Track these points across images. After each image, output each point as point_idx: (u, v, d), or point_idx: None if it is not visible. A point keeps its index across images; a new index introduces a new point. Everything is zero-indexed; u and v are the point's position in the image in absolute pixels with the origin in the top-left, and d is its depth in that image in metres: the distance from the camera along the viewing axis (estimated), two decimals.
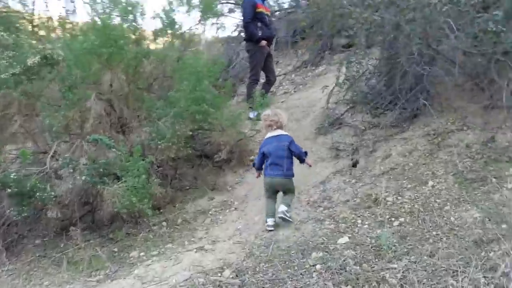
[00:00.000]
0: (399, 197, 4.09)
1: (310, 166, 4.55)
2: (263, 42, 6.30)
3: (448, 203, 3.79)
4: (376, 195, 4.18)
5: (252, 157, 5.56)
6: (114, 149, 4.27)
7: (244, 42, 6.78)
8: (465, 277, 2.82)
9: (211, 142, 5.15)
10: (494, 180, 3.91)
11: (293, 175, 4.23)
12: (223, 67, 6.00)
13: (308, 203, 4.48)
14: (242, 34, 7.94)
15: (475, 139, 4.58)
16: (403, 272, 3.03)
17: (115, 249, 4.25)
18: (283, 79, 8.55)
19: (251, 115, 6.04)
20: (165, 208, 4.80)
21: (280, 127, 4.34)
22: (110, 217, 4.53)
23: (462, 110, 5.17)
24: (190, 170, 5.36)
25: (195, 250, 3.96)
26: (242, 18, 6.88)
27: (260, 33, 6.46)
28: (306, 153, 4.37)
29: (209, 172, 5.29)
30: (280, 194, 4.22)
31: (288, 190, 4.20)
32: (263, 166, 4.33)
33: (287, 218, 4.00)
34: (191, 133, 4.75)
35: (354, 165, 5.08)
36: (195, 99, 4.58)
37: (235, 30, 9.77)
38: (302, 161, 4.33)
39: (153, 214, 4.27)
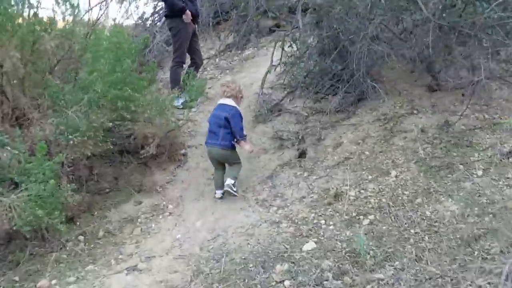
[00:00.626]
0: (362, 191, 3.61)
1: (249, 151, 4.12)
2: (188, 14, 5.40)
3: (419, 195, 3.39)
4: (336, 190, 3.67)
5: (183, 151, 4.79)
6: (8, 148, 3.26)
7: (165, 19, 5.82)
8: (468, 285, 2.37)
9: (135, 135, 4.27)
10: (461, 167, 3.59)
11: (231, 146, 4.02)
12: (145, 44, 5.07)
13: (257, 202, 3.84)
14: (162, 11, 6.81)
15: (428, 123, 4.27)
16: (392, 284, 2.52)
17: (16, 278, 3.24)
18: (207, 63, 7.76)
19: (177, 102, 5.22)
20: (81, 218, 3.84)
21: (232, 96, 4.13)
22: (6, 234, 3.47)
23: (407, 93, 4.89)
24: (110, 169, 4.42)
25: (125, 271, 3.13)
26: None
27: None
28: (245, 136, 4.11)
29: (133, 171, 4.40)
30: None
31: (231, 162, 4.07)
32: None
33: (232, 192, 3.92)
34: (110, 124, 3.84)
35: (301, 155, 4.54)
36: (115, 82, 3.68)
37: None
38: (236, 140, 4.04)
39: (67, 228, 3.33)
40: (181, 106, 4.88)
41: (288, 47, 5.65)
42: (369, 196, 3.52)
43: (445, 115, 4.34)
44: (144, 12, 8.83)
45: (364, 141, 4.27)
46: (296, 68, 5.58)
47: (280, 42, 5.87)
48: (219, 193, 4.02)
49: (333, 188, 3.72)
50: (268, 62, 6.84)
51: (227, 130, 3.95)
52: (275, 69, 6.03)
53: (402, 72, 5.30)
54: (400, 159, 3.87)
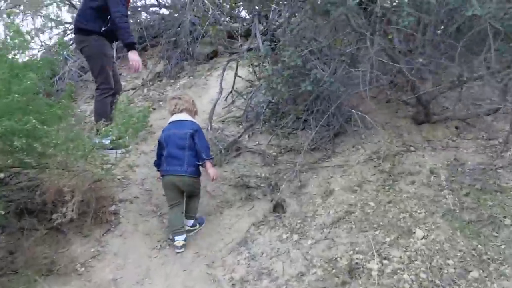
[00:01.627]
0: (385, 261, 2.57)
1: (212, 179, 3.25)
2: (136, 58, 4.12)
3: (469, 266, 2.42)
4: (348, 261, 2.59)
5: (114, 208, 3.43)
6: None
7: (76, 35, 4.34)
8: None
9: (42, 188, 2.86)
10: (508, 221, 2.70)
11: (198, 174, 3.25)
12: (51, 68, 3.72)
13: (234, 285, 2.62)
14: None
15: (434, 163, 3.40)
16: None
17: None
18: (133, 95, 6.44)
19: (106, 141, 3.88)
20: None
21: (186, 110, 3.37)
22: None
23: (391, 125, 4.03)
24: (1, 239, 2.93)
25: None
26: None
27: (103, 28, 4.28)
28: (211, 156, 3.28)
29: (40, 242, 2.95)
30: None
31: (193, 191, 3.29)
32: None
33: (193, 229, 3.27)
34: (1, 174, 2.44)
35: (277, 208, 3.44)
36: (9, 109, 2.32)
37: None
38: (202, 160, 3.19)
39: None
40: (111, 146, 3.54)
41: (253, 67, 4.61)
42: (398, 269, 2.48)
43: (451, 153, 3.52)
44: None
45: (362, 188, 3.28)
46: (253, 97, 4.53)
47: (230, 66, 4.85)
48: (180, 240, 3.06)
49: (341, 258, 2.64)
50: (210, 92, 5.82)
51: (192, 152, 3.18)
52: (226, 99, 4.95)
53: (376, 102, 4.48)
54: (419, 212, 2.91)
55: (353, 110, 3.79)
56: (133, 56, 4.05)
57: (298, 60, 3.47)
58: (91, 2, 4.11)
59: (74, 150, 2.65)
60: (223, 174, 3.82)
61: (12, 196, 3.05)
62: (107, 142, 3.44)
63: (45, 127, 2.51)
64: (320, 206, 3.21)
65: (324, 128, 4.06)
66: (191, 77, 6.61)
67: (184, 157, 3.12)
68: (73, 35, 4.38)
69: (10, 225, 3.01)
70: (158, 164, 3.36)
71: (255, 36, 4.49)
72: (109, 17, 4.10)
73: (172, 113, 3.36)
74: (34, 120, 2.28)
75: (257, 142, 4.22)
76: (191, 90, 6.15)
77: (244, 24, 7.08)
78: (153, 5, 7.69)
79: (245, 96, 4.74)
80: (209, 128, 4.46)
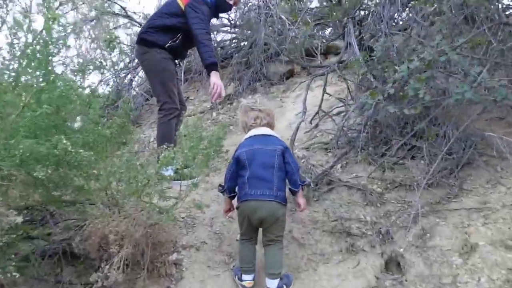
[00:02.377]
0: None
1: (301, 209, 2.59)
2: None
3: None
4: None
5: (175, 256, 2.67)
6: None
7: (140, 46, 3.74)
8: None
9: (83, 234, 2.15)
10: None
11: (286, 202, 2.51)
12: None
13: None
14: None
15: None
16: None
17: None
18: (201, 119, 5.82)
19: (166, 171, 3.19)
20: None
21: (269, 125, 2.71)
22: None
23: None
24: None
25: None
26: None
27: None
28: (305, 181, 2.72)
29: None
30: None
31: (278, 231, 2.47)
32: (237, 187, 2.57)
33: None
34: (18, 218, 1.74)
35: (389, 265, 2.51)
36: (36, 123, 1.64)
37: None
38: (295, 187, 2.53)
39: None
40: (173, 177, 2.80)
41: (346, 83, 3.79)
42: None
43: None
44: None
45: None
46: (346, 119, 3.67)
47: (318, 82, 4.05)
48: (249, 280, 2.46)
49: None
50: (287, 115, 5.05)
51: (282, 173, 2.48)
52: (311, 121, 4.13)
53: (507, 124, 3.44)
54: None
55: (491, 133, 2.81)
56: (215, 79, 3.43)
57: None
58: (167, 19, 3.58)
59: (124, 184, 1.92)
60: (314, 216, 2.96)
61: (49, 239, 2.38)
62: (168, 172, 2.72)
63: (89, 154, 1.81)
64: (461, 269, 2.24)
65: (444, 157, 3.10)
66: (264, 99, 5.89)
67: (273, 179, 2.43)
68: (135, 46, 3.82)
69: (46, 278, 2.33)
70: (230, 188, 2.57)
71: (349, 45, 3.66)
72: (179, 34, 3.57)
73: (250, 128, 2.68)
74: (65, 141, 1.57)
75: (354, 174, 3.33)
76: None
77: (324, 40, 6.31)
78: (224, 25, 7.15)
79: (336, 117, 3.89)
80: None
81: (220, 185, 2.65)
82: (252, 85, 6.17)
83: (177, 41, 3.57)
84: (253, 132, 2.63)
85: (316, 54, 6.05)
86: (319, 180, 3.28)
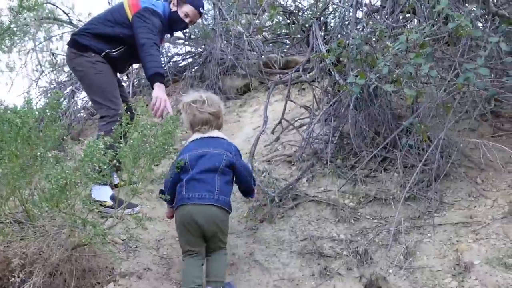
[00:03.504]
0: None
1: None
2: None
3: None
4: None
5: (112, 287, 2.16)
6: None
7: (70, 50, 3.18)
8: None
9: None
10: None
11: (230, 208, 2.25)
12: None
13: None
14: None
15: None
16: None
17: None
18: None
19: (101, 192, 2.73)
20: None
21: (218, 126, 2.41)
22: None
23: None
24: None
25: None
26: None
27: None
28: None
29: None
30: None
31: (221, 239, 2.19)
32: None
33: None
34: None
35: None
36: None
37: None
38: (249, 195, 2.45)
39: None
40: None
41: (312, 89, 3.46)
42: None
43: None
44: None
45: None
46: (311, 128, 3.32)
47: (277, 97, 3.71)
48: None
49: None
50: (244, 129, 4.69)
51: (226, 178, 2.25)
52: (272, 131, 3.77)
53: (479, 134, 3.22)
54: None
55: (476, 139, 2.54)
56: (159, 92, 2.88)
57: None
58: (109, 28, 3.10)
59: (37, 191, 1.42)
60: (279, 235, 2.54)
61: None
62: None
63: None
64: None
65: (414, 169, 2.80)
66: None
67: (215, 181, 2.18)
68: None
69: None
70: (171, 195, 2.27)
71: (314, 47, 3.32)
72: (121, 47, 3.11)
73: (193, 128, 2.39)
74: None
75: (322, 188, 2.97)
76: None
77: (285, 52, 6.05)
78: (178, 38, 6.73)
79: (300, 129, 3.54)
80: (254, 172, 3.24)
81: (161, 191, 2.32)
82: None
83: (115, 52, 3.10)
84: (199, 134, 2.34)
85: (275, 68, 5.75)
86: (283, 195, 2.88)
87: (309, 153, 3.34)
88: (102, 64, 3.09)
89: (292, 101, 3.72)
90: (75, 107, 5.74)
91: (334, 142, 3.23)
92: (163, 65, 3.05)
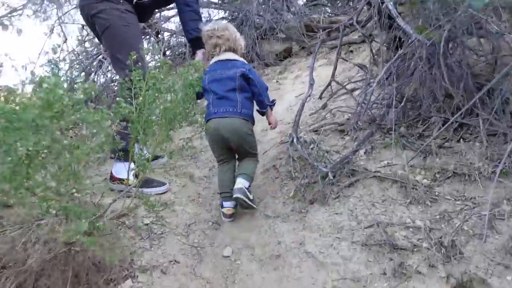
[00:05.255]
0: None
1: (272, 127, 2.64)
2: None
3: None
4: None
5: (131, 285, 1.72)
6: None
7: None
8: None
9: None
10: None
11: (253, 120, 2.52)
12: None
13: None
14: None
15: None
16: None
17: None
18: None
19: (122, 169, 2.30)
20: None
21: (233, 50, 2.61)
22: None
23: None
24: None
25: None
26: None
27: None
28: (273, 101, 2.65)
29: None
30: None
31: (250, 149, 2.50)
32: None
33: (247, 201, 2.29)
34: None
35: None
36: None
37: None
38: (262, 108, 2.58)
39: None
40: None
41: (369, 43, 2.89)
42: None
43: None
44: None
45: None
46: (369, 92, 2.75)
47: (321, 61, 3.14)
48: (229, 206, 2.38)
49: None
50: (286, 98, 4.17)
51: (246, 94, 2.49)
52: (320, 97, 3.23)
53: None
54: None
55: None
56: (200, 54, 2.80)
57: None
58: None
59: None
60: (336, 220, 2.03)
61: None
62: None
63: None
64: None
65: (500, 138, 2.23)
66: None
67: (237, 98, 2.45)
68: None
69: None
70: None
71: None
72: None
73: (212, 56, 2.65)
74: None
75: (384, 162, 2.41)
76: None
77: (326, 15, 5.43)
78: (212, 2, 6.20)
79: (354, 92, 2.98)
80: (295, 140, 2.73)
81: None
82: None
83: None
84: (216, 58, 2.59)
85: (318, 30, 5.14)
86: (337, 170, 2.36)
87: (366, 120, 2.78)
88: (132, 16, 2.66)
89: (344, 59, 3.14)
90: (105, 79, 5.37)
91: (397, 106, 2.65)
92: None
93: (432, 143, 2.41)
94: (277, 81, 4.74)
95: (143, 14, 2.83)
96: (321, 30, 4.68)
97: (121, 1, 2.64)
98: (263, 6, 5.44)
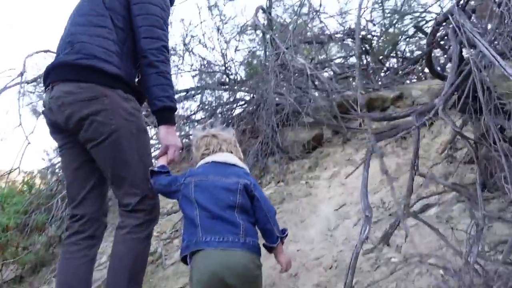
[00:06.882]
0: None
1: (283, 269, 1.81)
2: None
3: None
4: None
5: None
6: None
7: (90, 87, 1.74)
8: None
9: None
10: None
11: (260, 252, 1.72)
12: None
13: None
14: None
15: None
16: None
17: None
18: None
19: None
20: None
21: (229, 150, 1.96)
22: None
23: None
24: None
25: None
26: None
27: None
28: (284, 230, 1.85)
29: None
30: None
31: None
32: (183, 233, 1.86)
33: None
34: None
35: None
36: None
37: None
38: (272, 241, 1.76)
39: None
40: None
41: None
42: None
43: None
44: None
45: None
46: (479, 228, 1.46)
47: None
48: None
49: None
50: (320, 211, 3.04)
51: (248, 217, 1.72)
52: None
53: None
54: None
55: None
56: (168, 136, 1.90)
57: None
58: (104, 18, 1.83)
59: None
60: None
61: None
62: None
63: None
64: None
65: None
66: (280, 184, 3.78)
67: (238, 221, 1.64)
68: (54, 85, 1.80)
69: None
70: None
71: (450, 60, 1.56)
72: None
73: (202, 158, 1.88)
74: None
75: None
76: (283, 208, 3.31)
77: (366, 88, 4.32)
78: (221, 83, 5.24)
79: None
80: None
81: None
82: (262, 161, 4.10)
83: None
84: (210, 158, 1.85)
85: (355, 110, 4.00)
86: None
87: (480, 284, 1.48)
88: (140, 113, 1.90)
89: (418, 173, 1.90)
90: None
91: None
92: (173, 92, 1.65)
93: None
94: (306, 182, 3.53)
95: (141, 98, 1.98)
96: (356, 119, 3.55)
97: (125, 96, 1.78)
98: (283, 82, 4.39)
